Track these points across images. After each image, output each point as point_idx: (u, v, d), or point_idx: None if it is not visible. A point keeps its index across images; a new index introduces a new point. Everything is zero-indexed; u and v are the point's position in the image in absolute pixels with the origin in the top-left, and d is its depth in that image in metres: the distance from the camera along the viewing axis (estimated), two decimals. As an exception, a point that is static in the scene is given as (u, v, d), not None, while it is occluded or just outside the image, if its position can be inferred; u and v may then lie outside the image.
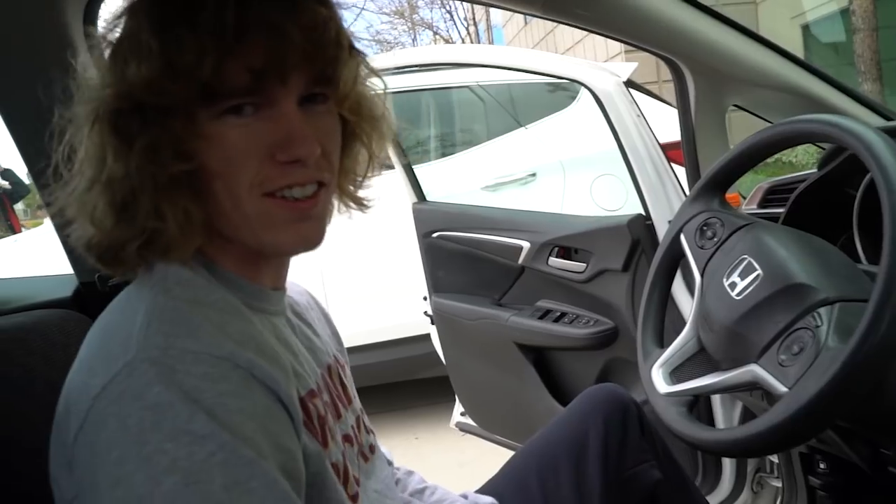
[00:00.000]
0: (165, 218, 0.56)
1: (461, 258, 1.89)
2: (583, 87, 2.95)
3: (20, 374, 0.75)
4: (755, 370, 0.77)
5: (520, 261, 1.74)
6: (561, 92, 3.13)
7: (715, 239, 0.93)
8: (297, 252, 0.62)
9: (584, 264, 1.61)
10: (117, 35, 0.59)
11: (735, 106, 1.23)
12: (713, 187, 0.96)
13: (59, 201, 0.60)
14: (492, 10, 14.01)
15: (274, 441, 0.53)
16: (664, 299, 1.02)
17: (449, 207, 1.97)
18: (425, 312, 2.07)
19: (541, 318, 1.72)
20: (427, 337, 2.25)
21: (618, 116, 1.44)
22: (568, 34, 11.04)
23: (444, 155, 3.15)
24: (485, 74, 2.91)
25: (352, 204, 0.73)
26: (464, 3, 13.12)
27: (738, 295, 0.83)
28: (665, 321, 1.02)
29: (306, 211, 0.60)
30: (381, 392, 2.84)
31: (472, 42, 14.11)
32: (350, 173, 0.70)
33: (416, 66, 1.85)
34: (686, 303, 1.38)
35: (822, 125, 0.80)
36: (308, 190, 0.60)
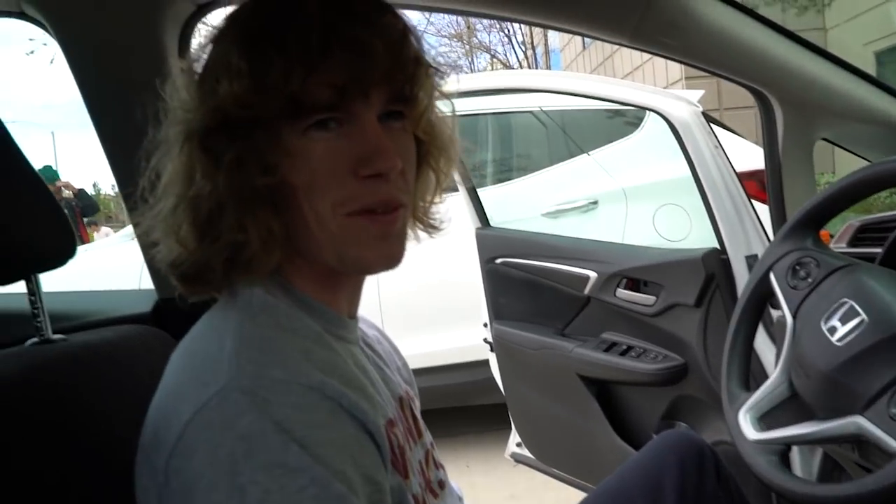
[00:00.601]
0: (248, 232, 0.57)
1: (524, 286, 1.86)
2: (648, 115, 2.94)
3: (109, 388, 0.76)
4: (861, 423, 0.73)
5: (586, 291, 1.71)
6: (622, 118, 3.09)
7: (809, 279, 0.89)
8: (378, 269, 0.62)
9: (654, 297, 1.57)
10: (204, 61, 0.61)
11: (823, 139, 1.18)
12: (807, 225, 0.92)
13: (146, 222, 0.61)
14: (549, 34, 14.04)
15: (363, 473, 0.52)
16: (750, 340, 0.97)
17: (513, 234, 1.95)
18: (485, 339, 2.05)
19: (606, 350, 1.68)
20: (482, 363, 2.23)
21: (695, 146, 1.40)
22: (627, 59, 10.95)
23: (501, 180, 3.14)
24: (548, 99, 2.89)
25: (422, 227, 0.72)
26: (522, 27, 13.18)
27: (839, 341, 0.78)
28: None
29: (389, 226, 0.60)
30: (433, 417, 2.78)
31: (528, 66, 14.15)
32: (420, 196, 0.70)
33: (491, 90, 1.85)
34: (763, 345, 1.32)
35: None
36: (390, 206, 0.60)
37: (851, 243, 1.21)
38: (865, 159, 1.21)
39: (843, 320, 0.79)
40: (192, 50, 0.63)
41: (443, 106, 0.69)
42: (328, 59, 0.55)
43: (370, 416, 0.56)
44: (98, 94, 0.99)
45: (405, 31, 0.60)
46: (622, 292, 1.64)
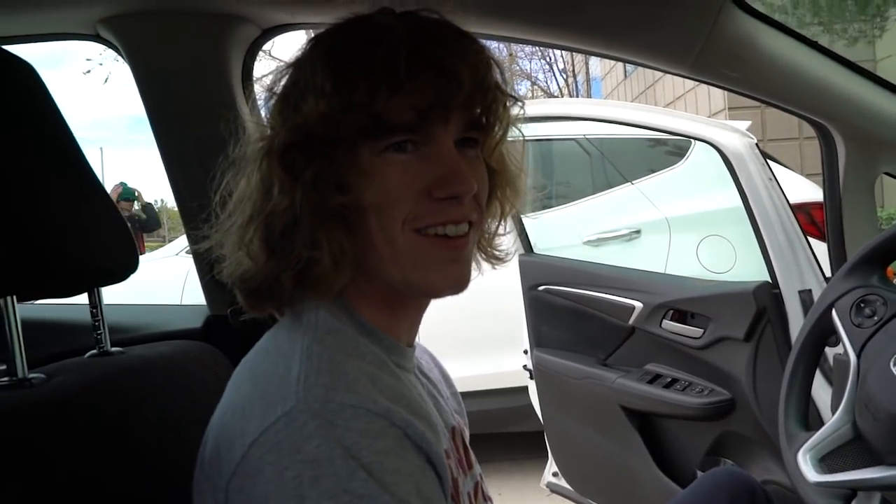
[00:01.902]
0: (321, 249, 0.57)
1: (567, 314, 1.84)
2: (693, 145, 2.91)
3: (165, 401, 0.77)
4: (933, 469, 0.70)
5: (630, 321, 1.68)
6: (664, 148, 3.07)
7: (875, 318, 0.86)
8: (444, 294, 0.62)
9: (701, 330, 1.54)
10: (284, 83, 0.62)
11: (887, 174, 1.15)
12: (873, 261, 0.90)
13: (215, 237, 0.62)
14: (591, 61, 14.04)
15: None
16: (810, 378, 0.95)
17: (557, 261, 1.94)
18: (525, 366, 2.03)
19: (650, 382, 1.65)
20: (520, 390, 2.20)
21: (748, 178, 1.38)
22: (669, 88, 10.87)
23: (543, 207, 3.14)
24: (591, 127, 2.89)
25: (485, 257, 0.72)
26: (563, 54, 13.21)
27: (909, 382, 0.75)
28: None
29: (458, 251, 0.60)
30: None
31: (569, 93, 14.14)
32: (486, 226, 0.70)
33: (550, 117, 1.86)
34: (818, 385, 1.28)
35: None
36: (461, 228, 0.60)
37: (913, 281, 1.17)
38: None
39: (915, 362, 0.76)
40: (274, 70, 0.64)
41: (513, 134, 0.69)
42: (413, 81, 0.56)
43: (434, 446, 0.55)
44: (164, 114, 1.02)
45: (489, 60, 0.61)
46: (668, 323, 1.61)
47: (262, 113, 0.66)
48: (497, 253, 0.73)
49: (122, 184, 6.04)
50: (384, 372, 0.58)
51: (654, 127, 1.55)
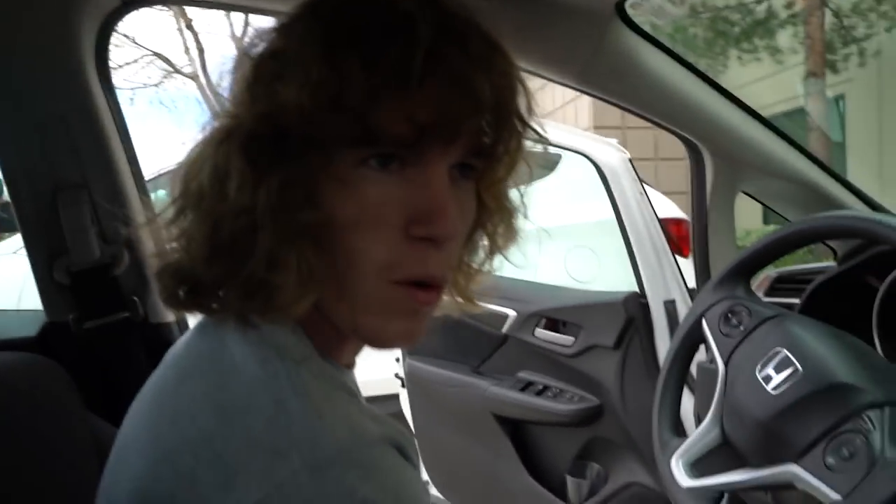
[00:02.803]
0: (288, 270, 0.46)
1: (440, 321, 1.82)
2: (562, 158, 3.02)
3: None
4: (796, 471, 0.73)
5: (504, 329, 1.69)
6: (536, 160, 3.16)
7: (741, 328, 0.90)
8: (393, 346, 0.52)
9: (573, 338, 1.58)
10: (261, 51, 0.49)
11: (744, 192, 1.23)
12: (739, 274, 0.94)
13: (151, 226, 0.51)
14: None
15: None
16: (681, 386, 0.98)
17: (432, 268, 1.92)
18: (396, 374, 1.99)
19: (522, 389, 1.66)
20: (391, 398, 2.17)
21: (621, 191, 1.43)
22: (540, 105, 11.39)
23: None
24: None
25: (461, 301, 0.62)
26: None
27: (774, 389, 0.79)
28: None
29: (426, 305, 0.50)
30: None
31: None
32: (465, 265, 0.60)
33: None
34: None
35: (867, 223, 0.79)
36: (434, 281, 0.50)
37: (768, 293, 1.26)
38: (778, 213, 1.28)
39: (778, 369, 0.80)
40: (252, 33, 0.50)
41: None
42: (425, 89, 0.45)
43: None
44: (8, 92, 0.89)
45: (517, 82, 0.51)
46: (541, 332, 1.64)
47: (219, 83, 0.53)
48: (470, 295, 0.62)
49: None
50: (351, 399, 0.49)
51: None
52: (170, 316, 1.01)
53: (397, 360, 1.97)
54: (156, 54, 10.07)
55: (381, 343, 0.51)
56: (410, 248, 0.48)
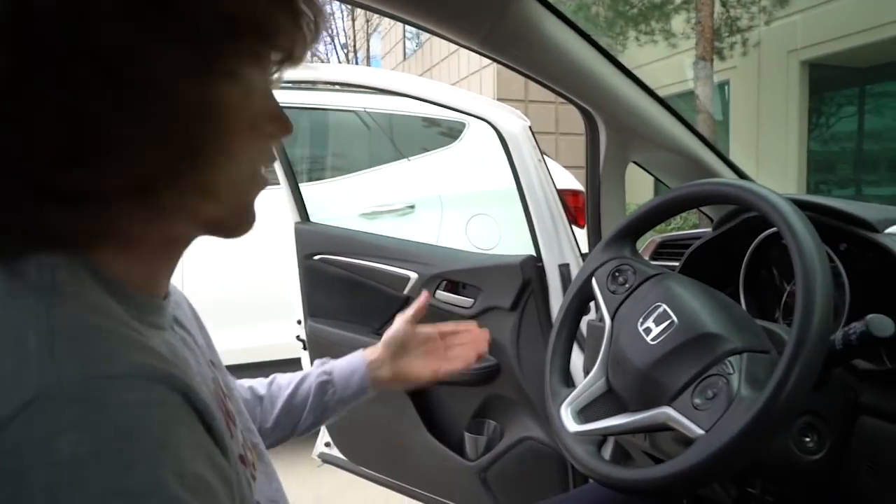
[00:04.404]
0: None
1: (342, 284, 1.83)
2: (467, 127, 3.06)
3: None
4: (668, 412, 0.81)
5: (405, 291, 1.72)
6: (438, 129, 3.20)
7: (627, 285, 0.97)
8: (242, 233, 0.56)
9: (472, 300, 1.63)
10: None
11: (634, 162, 1.31)
12: (626, 236, 1.01)
13: None
14: (373, 39, 14.11)
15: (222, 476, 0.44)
16: (571, 340, 1.04)
17: (335, 231, 1.92)
18: (298, 337, 1.98)
19: (423, 350, 1.70)
20: (293, 362, 2.16)
21: (521, 159, 1.48)
22: (445, 74, 11.39)
23: (318, 178, 3.09)
24: (373, 102, 2.90)
25: None
26: (346, 29, 13.11)
27: (653, 340, 0.87)
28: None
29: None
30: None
31: (346, 69, 14.10)
32: None
33: (321, 82, 1.80)
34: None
35: (734, 189, 0.87)
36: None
37: (653, 257, 1.36)
38: (663, 183, 1.37)
39: (657, 322, 0.88)
40: None
41: None
42: None
43: (210, 408, 0.46)
44: None
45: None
46: (441, 294, 1.68)
47: None
48: None
49: None
50: (141, 334, 0.47)
51: (439, 102, 1.59)
52: None
53: (298, 322, 1.96)
54: None
55: (239, 228, 0.55)
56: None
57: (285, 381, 0.97)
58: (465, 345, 1.03)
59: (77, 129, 0.44)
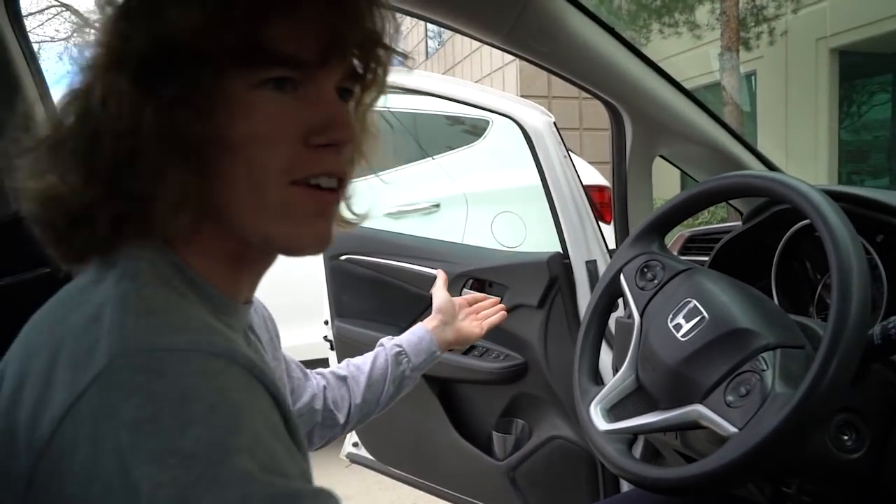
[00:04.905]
0: (164, 184, 0.49)
1: (369, 284, 1.84)
2: (491, 125, 3.05)
3: None
4: (700, 410, 0.79)
5: (431, 290, 1.72)
6: (462, 127, 3.19)
7: (656, 281, 0.96)
8: (306, 252, 0.56)
9: (499, 298, 1.61)
10: None
11: (661, 156, 1.29)
12: (654, 231, 1.00)
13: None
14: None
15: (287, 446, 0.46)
16: (600, 337, 1.03)
17: (361, 230, 1.91)
18: (325, 337, 1.99)
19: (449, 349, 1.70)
20: (321, 362, 2.17)
21: (546, 155, 1.47)
22: (468, 72, 11.39)
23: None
24: (397, 101, 2.90)
25: (347, 214, 0.69)
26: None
27: (683, 336, 0.85)
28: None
29: (329, 205, 0.56)
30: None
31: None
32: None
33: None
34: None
35: (765, 181, 0.85)
36: (334, 182, 0.55)
37: (681, 252, 1.34)
38: (691, 176, 1.35)
39: (688, 318, 0.86)
40: None
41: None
42: (309, 7, 0.50)
43: (282, 393, 0.49)
44: None
45: (387, 11, 0.56)
46: (468, 292, 1.67)
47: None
48: (352, 214, 0.69)
49: None
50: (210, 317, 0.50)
51: (463, 100, 1.58)
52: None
53: (326, 322, 1.97)
54: (65, 6, 9.45)
55: (295, 248, 0.56)
56: (312, 153, 0.53)
57: (360, 361, 1.05)
58: (488, 310, 1.18)
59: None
